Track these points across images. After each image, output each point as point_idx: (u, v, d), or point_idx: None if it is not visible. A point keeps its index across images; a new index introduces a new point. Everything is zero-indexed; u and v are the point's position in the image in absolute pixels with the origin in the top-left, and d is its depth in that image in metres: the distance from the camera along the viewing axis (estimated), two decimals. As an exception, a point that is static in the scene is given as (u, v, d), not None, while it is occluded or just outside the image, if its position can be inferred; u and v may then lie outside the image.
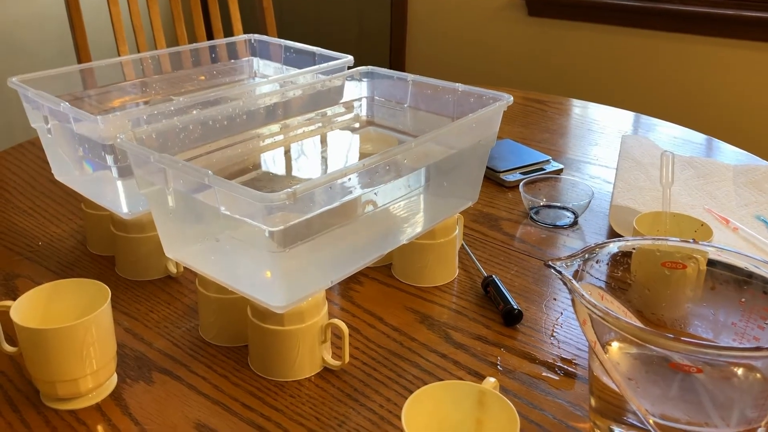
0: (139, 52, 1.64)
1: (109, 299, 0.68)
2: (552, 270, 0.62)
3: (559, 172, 1.22)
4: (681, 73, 2.41)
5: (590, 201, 1.04)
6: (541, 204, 1.08)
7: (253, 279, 0.70)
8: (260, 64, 1.17)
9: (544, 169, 1.21)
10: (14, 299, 0.86)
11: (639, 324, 0.55)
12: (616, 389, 0.60)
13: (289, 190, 0.59)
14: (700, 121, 2.43)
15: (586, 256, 0.65)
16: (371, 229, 0.75)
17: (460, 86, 0.89)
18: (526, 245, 1.00)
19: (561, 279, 0.61)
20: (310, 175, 0.88)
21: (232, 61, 1.15)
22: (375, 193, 0.71)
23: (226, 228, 0.69)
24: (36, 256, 0.96)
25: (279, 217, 0.61)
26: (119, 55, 1.63)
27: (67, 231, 1.03)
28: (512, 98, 0.84)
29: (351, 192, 0.67)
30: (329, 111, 0.96)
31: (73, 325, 0.65)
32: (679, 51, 2.39)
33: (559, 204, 1.08)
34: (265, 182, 0.83)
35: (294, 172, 0.87)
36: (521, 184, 1.09)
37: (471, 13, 2.74)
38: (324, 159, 0.91)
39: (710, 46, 2.34)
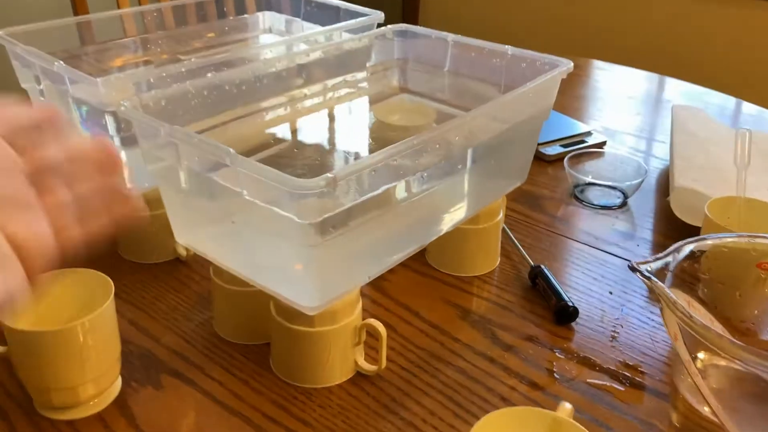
0: (140, 3, 1.52)
1: (113, 295, 0.59)
2: (638, 275, 0.52)
3: (602, 144, 1.12)
4: (715, 34, 2.28)
5: (643, 181, 0.94)
6: (587, 182, 0.98)
7: (279, 272, 0.60)
8: (275, 20, 1.05)
9: (586, 142, 1.11)
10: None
11: (754, 349, 0.46)
12: (711, 416, 0.51)
13: (329, 175, 0.49)
14: (740, 88, 2.31)
15: (674, 257, 0.55)
16: (412, 215, 0.65)
17: (510, 49, 0.78)
18: (572, 228, 0.91)
19: (649, 285, 0.51)
20: (340, 149, 0.78)
21: (245, 15, 1.03)
22: (423, 176, 0.61)
23: (247, 213, 0.59)
24: (29, 233, 0.86)
25: (314, 206, 0.51)
26: (118, 6, 1.50)
27: (63, 203, 0.93)
28: (572, 64, 0.73)
29: (397, 176, 0.57)
30: (357, 75, 0.85)
31: (71, 327, 0.55)
32: (712, 10, 2.26)
33: (607, 183, 0.97)
34: (290, 158, 0.73)
35: (321, 146, 0.77)
36: (566, 159, 0.99)
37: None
38: (354, 131, 0.81)
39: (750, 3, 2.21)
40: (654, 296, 0.54)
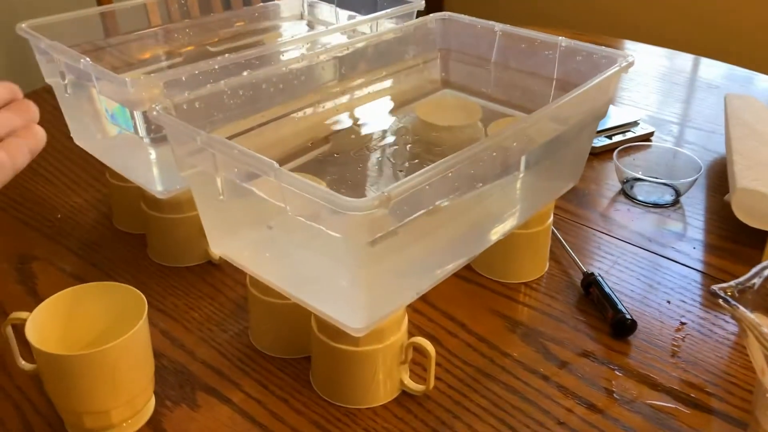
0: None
1: (146, 313, 0.55)
2: (721, 301, 0.47)
3: (649, 135, 1.06)
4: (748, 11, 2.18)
5: (697, 178, 0.89)
6: (638, 176, 0.92)
7: (322, 289, 0.56)
8: (308, 5, 1.00)
9: (633, 132, 1.05)
10: (31, 288, 0.74)
11: None
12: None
13: (382, 194, 0.45)
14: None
15: (758, 279, 0.50)
16: (462, 226, 0.61)
17: (563, 40, 0.73)
18: (622, 228, 0.86)
19: (732, 314, 0.47)
20: (383, 153, 0.73)
21: (276, 1, 0.98)
22: (477, 186, 0.56)
23: (288, 225, 0.55)
24: (55, 233, 0.83)
25: (364, 226, 0.47)
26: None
27: (89, 201, 0.90)
28: (633, 59, 0.68)
29: (452, 189, 0.52)
30: (397, 68, 0.80)
31: (102, 351, 0.52)
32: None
33: (659, 179, 0.92)
34: (331, 164, 0.68)
35: (363, 151, 0.72)
36: (615, 152, 0.93)
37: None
38: (396, 132, 0.76)
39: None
40: (730, 315, 0.50)
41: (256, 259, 0.61)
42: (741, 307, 0.46)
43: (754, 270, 0.50)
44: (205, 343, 0.67)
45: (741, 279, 0.49)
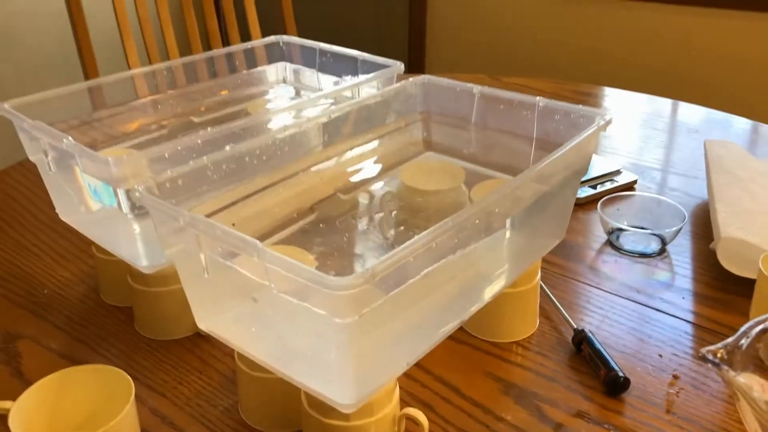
0: (145, 45, 1.49)
1: (133, 397, 0.54)
2: (709, 365, 0.47)
3: (633, 184, 1.07)
4: (743, 55, 2.23)
5: (682, 227, 0.89)
6: (623, 227, 0.93)
7: (310, 365, 0.55)
8: (289, 71, 1.02)
9: (616, 181, 1.06)
10: (16, 368, 0.73)
11: None
12: None
13: (367, 271, 0.45)
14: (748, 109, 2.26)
15: (745, 339, 0.50)
16: (450, 292, 0.61)
17: (540, 100, 0.74)
18: (610, 280, 0.86)
19: (722, 377, 0.47)
20: (369, 223, 0.73)
21: (257, 68, 0.99)
22: (463, 251, 0.56)
23: (274, 301, 0.54)
24: (41, 309, 0.82)
25: (350, 303, 0.47)
26: (125, 51, 1.48)
27: (76, 274, 0.89)
28: (611, 117, 0.69)
29: (437, 258, 0.52)
30: (379, 132, 0.81)
31: (89, 439, 0.51)
32: (737, 30, 2.21)
33: (645, 228, 0.93)
34: (316, 234, 0.68)
35: (348, 219, 0.72)
36: (599, 203, 0.94)
37: (497, -8, 2.56)
38: (381, 198, 0.76)
39: None
40: (721, 378, 0.49)
41: (242, 334, 0.60)
42: (731, 371, 0.46)
43: (741, 330, 0.50)
44: (195, 420, 0.66)
45: (729, 340, 0.49)
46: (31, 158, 0.77)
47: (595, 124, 0.67)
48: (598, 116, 0.69)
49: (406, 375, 0.71)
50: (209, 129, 0.67)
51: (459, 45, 2.69)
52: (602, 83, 2.26)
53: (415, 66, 2.79)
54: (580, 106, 0.72)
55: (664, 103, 1.43)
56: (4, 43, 2.32)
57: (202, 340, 0.77)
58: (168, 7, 1.53)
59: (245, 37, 1.55)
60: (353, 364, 0.51)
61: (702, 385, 0.69)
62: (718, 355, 0.47)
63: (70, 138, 0.67)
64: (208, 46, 1.53)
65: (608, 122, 0.68)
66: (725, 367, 0.46)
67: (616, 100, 1.44)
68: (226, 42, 1.60)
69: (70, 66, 2.46)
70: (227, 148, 0.64)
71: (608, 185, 1.05)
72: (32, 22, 2.40)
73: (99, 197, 0.71)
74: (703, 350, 0.47)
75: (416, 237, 0.49)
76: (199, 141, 0.66)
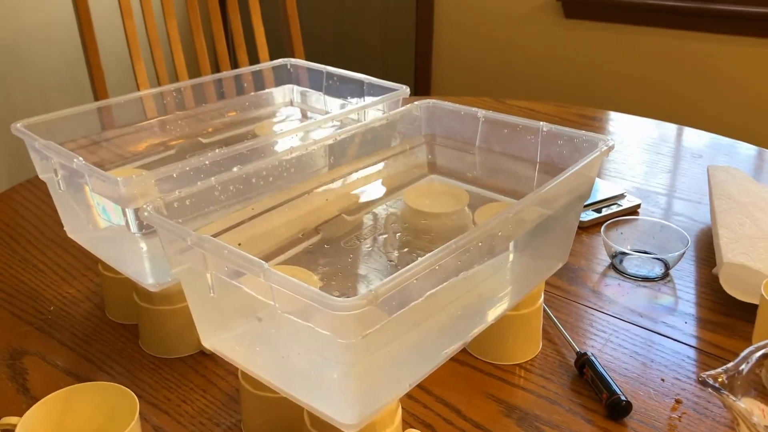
0: (155, 66, 1.51)
1: (138, 414, 0.55)
2: (710, 390, 0.47)
3: (636, 208, 1.08)
4: (749, 81, 2.24)
5: (685, 252, 0.90)
6: (627, 251, 0.93)
7: (313, 384, 0.56)
8: (296, 94, 1.03)
9: (620, 205, 1.07)
10: (22, 384, 0.74)
11: None
12: None
13: (370, 292, 0.46)
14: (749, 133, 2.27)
15: (745, 364, 0.50)
16: (453, 313, 0.61)
17: (544, 125, 0.75)
18: (613, 304, 0.86)
19: (723, 402, 0.47)
20: (373, 244, 0.74)
21: (267, 90, 1.01)
22: (466, 274, 0.57)
23: (278, 321, 0.55)
24: (47, 326, 0.83)
25: (353, 324, 0.47)
26: (134, 73, 1.50)
27: (82, 291, 0.90)
28: (613, 142, 0.70)
29: (440, 280, 0.53)
30: (384, 155, 0.82)
31: (93, 456, 0.51)
32: (743, 56, 2.23)
33: (649, 253, 0.93)
34: (321, 255, 0.69)
35: (353, 240, 0.73)
36: (603, 226, 0.94)
37: (502, 16, 2.59)
38: (384, 220, 0.77)
39: None
40: (721, 403, 0.50)
41: (246, 353, 0.61)
42: (731, 396, 0.46)
43: (742, 355, 0.50)
44: (197, 438, 0.66)
45: (729, 365, 0.49)
46: (42, 176, 0.79)
47: (598, 149, 0.68)
48: (601, 142, 0.70)
49: (409, 396, 0.71)
50: (217, 150, 0.68)
51: (465, 68, 2.72)
52: (607, 107, 2.27)
53: (421, 89, 2.82)
54: (583, 131, 0.73)
55: (670, 128, 1.44)
56: (14, 63, 2.35)
57: (206, 358, 0.77)
58: (177, 29, 1.56)
59: (253, 59, 1.57)
60: (356, 385, 0.51)
61: (704, 410, 0.69)
62: (719, 379, 0.47)
63: (81, 158, 0.68)
64: (216, 68, 1.55)
65: (611, 148, 0.69)
66: (725, 392, 0.46)
67: (621, 124, 1.45)
68: (234, 64, 1.62)
69: (79, 86, 2.50)
70: (234, 168, 0.65)
71: (612, 209, 1.06)
72: (42, 42, 2.43)
73: (107, 216, 0.72)
74: (704, 375, 0.48)
75: (420, 259, 0.50)
76: (206, 162, 0.68)
